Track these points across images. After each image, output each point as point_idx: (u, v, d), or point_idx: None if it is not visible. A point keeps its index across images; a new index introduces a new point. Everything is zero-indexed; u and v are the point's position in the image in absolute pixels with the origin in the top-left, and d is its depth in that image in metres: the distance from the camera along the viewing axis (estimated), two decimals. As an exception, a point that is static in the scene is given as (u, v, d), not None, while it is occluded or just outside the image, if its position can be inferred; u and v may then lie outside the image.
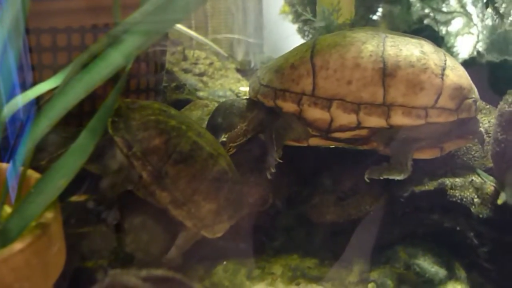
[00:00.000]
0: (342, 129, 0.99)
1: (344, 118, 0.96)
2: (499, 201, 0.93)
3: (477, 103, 0.99)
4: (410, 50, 0.95)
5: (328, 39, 1.01)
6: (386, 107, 0.94)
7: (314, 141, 1.04)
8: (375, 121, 0.95)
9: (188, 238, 0.92)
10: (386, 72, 0.93)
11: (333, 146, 1.12)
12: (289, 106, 0.99)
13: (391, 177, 0.96)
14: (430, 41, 1.02)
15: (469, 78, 0.99)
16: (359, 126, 0.97)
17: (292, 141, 1.05)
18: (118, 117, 0.90)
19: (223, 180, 0.91)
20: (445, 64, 0.95)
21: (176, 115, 0.94)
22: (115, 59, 0.57)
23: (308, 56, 0.98)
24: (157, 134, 0.88)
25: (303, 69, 0.98)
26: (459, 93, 0.95)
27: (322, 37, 1.02)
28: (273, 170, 0.99)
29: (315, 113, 0.98)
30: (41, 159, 0.86)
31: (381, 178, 0.96)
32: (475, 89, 1.00)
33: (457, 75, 0.96)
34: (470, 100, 0.96)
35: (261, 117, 1.05)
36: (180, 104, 1.35)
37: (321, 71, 0.96)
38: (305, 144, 1.05)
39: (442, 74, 0.94)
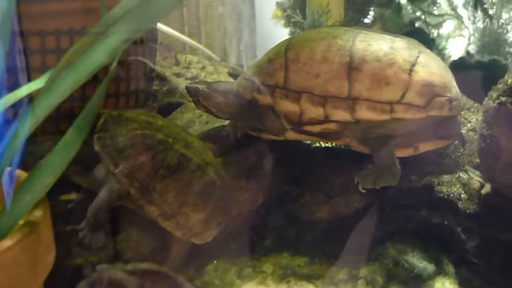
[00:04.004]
0: (312, 122, 0.99)
1: (312, 111, 0.97)
2: (483, 191, 0.95)
3: (454, 102, 0.94)
4: (379, 45, 0.95)
5: (304, 34, 1.03)
6: (351, 101, 0.94)
7: (289, 135, 1.05)
8: (341, 114, 0.95)
9: (181, 247, 0.93)
10: (352, 66, 0.93)
11: (323, 145, 1.14)
12: (263, 99, 1.02)
13: (386, 184, 0.95)
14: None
15: (445, 76, 0.96)
16: (327, 119, 0.97)
17: (269, 134, 1.07)
18: (104, 132, 0.90)
19: (211, 190, 0.91)
20: (416, 60, 0.94)
21: (163, 127, 0.94)
22: (99, 56, 0.58)
23: (283, 50, 1.00)
24: (144, 150, 0.88)
25: (278, 63, 1.00)
26: (429, 90, 0.93)
27: (300, 33, 1.03)
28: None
29: (286, 106, 0.99)
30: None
31: (377, 187, 0.95)
32: (453, 88, 0.97)
33: (428, 72, 0.94)
34: (442, 98, 0.93)
35: (240, 108, 1.08)
36: (172, 107, 1.36)
37: (292, 65, 0.98)
38: (282, 138, 1.06)
39: (411, 70, 0.92)
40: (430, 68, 0.94)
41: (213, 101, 1.10)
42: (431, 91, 0.93)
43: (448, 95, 0.94)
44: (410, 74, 0.92)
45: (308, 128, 1.00)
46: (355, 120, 0.95)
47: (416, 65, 0.93)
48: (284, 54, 0.99)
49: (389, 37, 0.97)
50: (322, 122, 0.98)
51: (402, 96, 0.92)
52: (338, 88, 0.94)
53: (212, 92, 1.10)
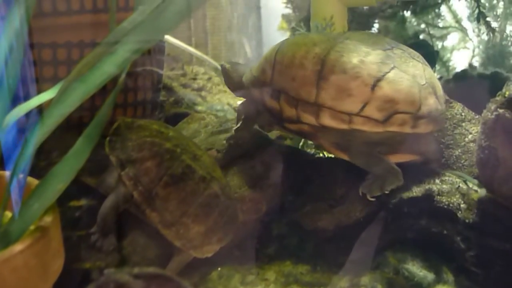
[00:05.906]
0: (289, 121, 1.05)
1: (288, 110, 1.03)
2: (476, 195, 0.98)
3: (422, 120, 0.96)
4: (350, 57, 0.97)
5: (293, 39, 1.10)
6: (316, 107, 0.98)
7: (276, 129, 1.14)
8: (308, 118, 1.00)
9: (182, 258, 0.95)
10: (321, 75, 0.98)
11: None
12: (256, 94, 1.10)
13: (394, 186, 0.98)
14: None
15: (415, 93, 0.95)
16: (299, 120, 1.02)
17: (263, 126, 1.17)
18: (115, 136, 0.93)
19: (213, 204, 0.93)
20: (384, 76, 0.95)
21: (173, 137, 0.97)
22: (108, 68, 0.61)
23: (275, 51, 1.07)
24: (150, 156, 0.91)
25: (269, 62, 1.07)
26: (390, 106, 0.94)
27: (291, 37, 1.10)
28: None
29: (271, 103, 1.06)
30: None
31: (387, 192, 0.98)
32: (426, 106, 0.96)
33: (393, 89, 0.94)
34: (405, 116, 0.95)
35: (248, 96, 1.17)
36: (178, 118, 1.39)
37: (278, 66, 1.05)
38: (271, 130, 1.17)
39: (374, 85, 0.94)
40: (397, 85, 0.95)
41: (234, 80, 1.19)
42: (391, 107, 0.95)
43: (413, 112, 0.95)
44: (372, 89, 0.95)
45: (287, 125, 1.07)
46: (320, 125, 1.00)
47: (381, 81, 0.95)
48: (274, 55, 1.06)
49: (366, 49, 0.98)
50: (296, 122, 1.04)
51: (362, 109, 0.95)
52: (308, 94, 0.99)
53: (233, 72, 1.19)
